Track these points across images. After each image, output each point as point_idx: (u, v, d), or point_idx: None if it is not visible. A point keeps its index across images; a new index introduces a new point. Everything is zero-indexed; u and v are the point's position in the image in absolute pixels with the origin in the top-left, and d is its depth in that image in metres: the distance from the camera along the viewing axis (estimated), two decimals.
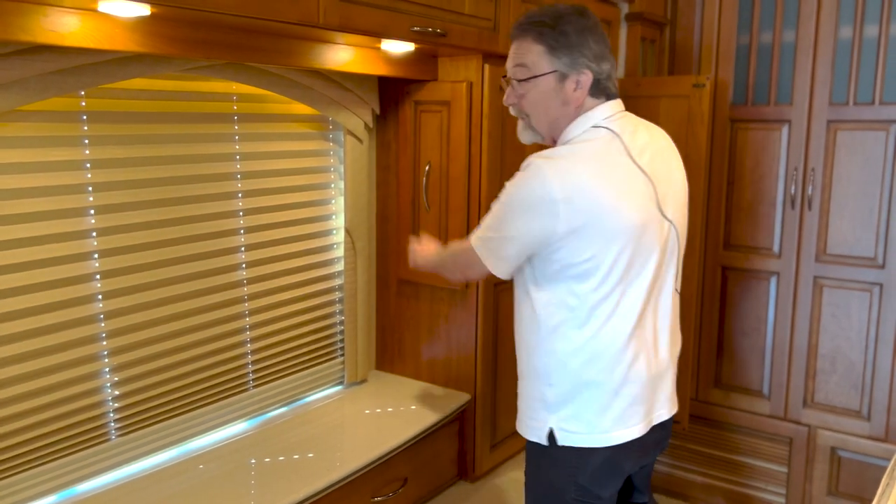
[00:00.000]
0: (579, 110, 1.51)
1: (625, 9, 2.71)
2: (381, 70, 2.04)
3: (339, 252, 2.31)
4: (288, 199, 2.12)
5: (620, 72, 2.77)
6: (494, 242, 1.51)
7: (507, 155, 2.28)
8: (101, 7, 1.31)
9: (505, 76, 1.58)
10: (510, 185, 1.47)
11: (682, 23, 2.88)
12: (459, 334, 2.31)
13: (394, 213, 2.38)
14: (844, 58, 2.54)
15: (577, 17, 1.49)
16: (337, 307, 2.33)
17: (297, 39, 1.78)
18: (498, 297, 2.32)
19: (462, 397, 2.28)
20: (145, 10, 1.34)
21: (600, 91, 1.51)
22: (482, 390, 2.29)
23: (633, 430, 1.52)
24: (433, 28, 1.87)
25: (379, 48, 1.97)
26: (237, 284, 2.00)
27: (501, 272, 1.52)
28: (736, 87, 2.79)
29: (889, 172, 2.50)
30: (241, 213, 1.98)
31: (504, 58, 2.21)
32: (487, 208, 2.24)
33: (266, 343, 2.10)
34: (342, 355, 2.36)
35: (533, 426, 1.57)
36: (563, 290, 1.47)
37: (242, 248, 2.00)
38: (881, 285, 2.55)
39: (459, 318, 2.30)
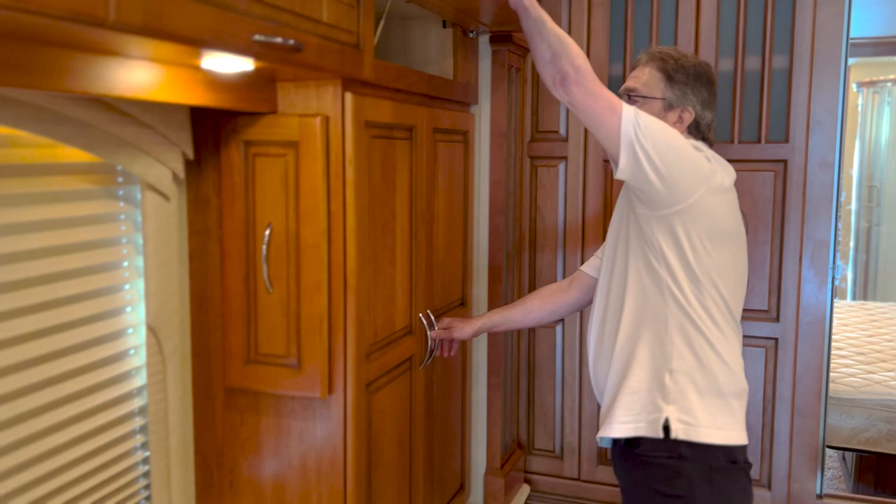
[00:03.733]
0: None
1: (484, 30, 2.28)
2: (196, 98, 1.38)
3: (139, 359, 1.59)
4: (52, 294, 1.37)
5: (486, 109, 2.33)
6: (653, 124, 1.45)
7: (377, 213, 1.71)
8: None
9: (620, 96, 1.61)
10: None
11: None
12: (321, 458, 1.68)
13: (217, 296, 1.71)
14: (727, 92, 2.31)
15: (699, 65, 1.61)
16: (138, 439, 1.60)
17: (64, 48, 1.09)
18: (371, 401, 1.74)
19: None
20: None
21: (699, 134, 1.62)
22: None
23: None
24: (284, 38, 1.27)
25: (197, 66, 1.33)
26: None
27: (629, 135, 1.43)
28: None
29: (779, 217, 2.29)
30: None
31: (368, 84, 1.68)
32: (356, 286, 1.67)
33: None
34: None
35: (651, 419, 1.53)
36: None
37: None
38: (776, 340, 2.33)
39: (320, 436, 1.68)
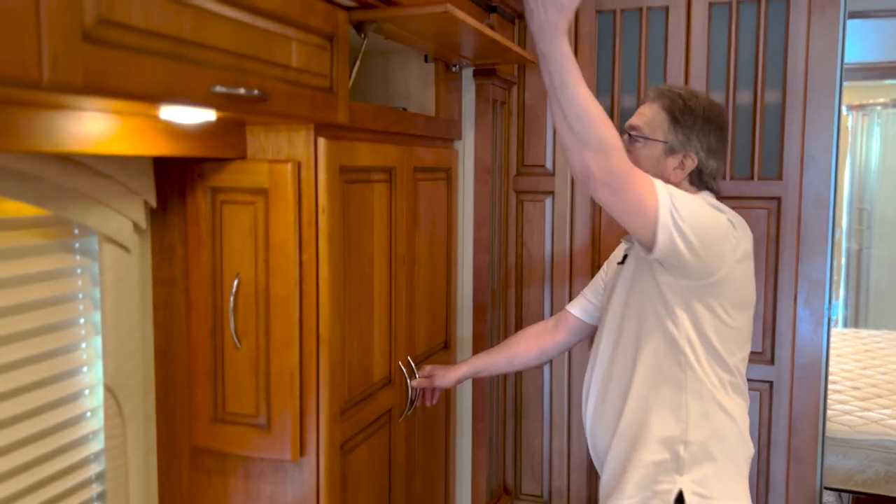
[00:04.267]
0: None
1: (467, 64, 2.20)
2: (157, 149, 1.30)
3: (97, 422, 1.49)
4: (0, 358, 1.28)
5: (469, 143, 2.25)
6: (688, 204, 1.33)
7: (353, 262, 1.63)
8: None
9: (622, 130, 1.47)
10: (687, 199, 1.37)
11: (532, 82, 2.44)
12: None
13: (182, 349, 1.61)
14: None
15: (711, 108, 1.50)
16: None
17: (9, 106, 1.01)
18: (346, 462, 1.64)
19: None
20: None
21: (701, 182, 1.52)
22: None
23: None
24: (247, 88, 1.18)
25: (156, 116, 1.24)
26: None
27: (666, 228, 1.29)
28: None
29: (773, 256, 2.22)
30: None
31: (343, 128, 1.59)
32: (329, 341, 1.57)
33: None
34: None
35: (662, 489, 1.43)
36: None
37: None
38: (771, 383, 2.25)
39: (291, 499, 1.58)
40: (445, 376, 1.85)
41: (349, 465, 1.65)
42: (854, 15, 2.35)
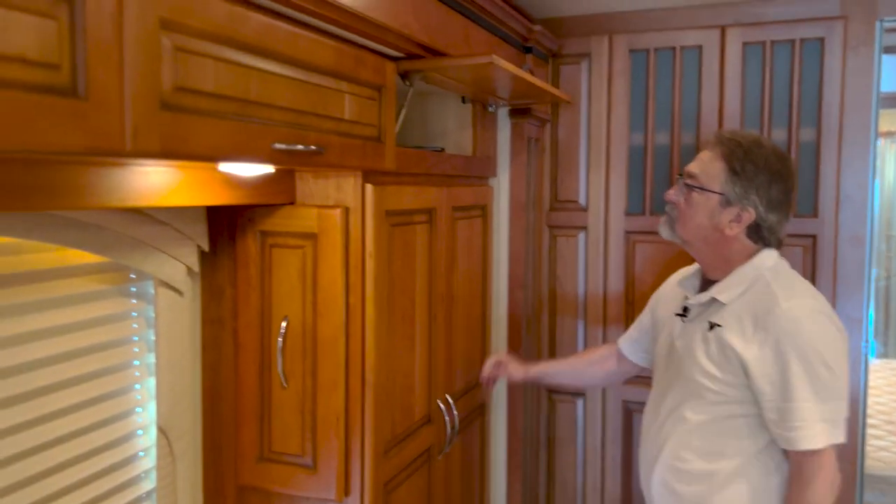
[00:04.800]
0: (742, 248, 1.44)
1: (504, 104, 2.23)
2: (215, 198, 1.34)
3: (149, 462, 1.52)
4: (59, 403, 1.31)
5: (505, 180, 2.28)
6: (842, 414, 1.36)
7: (396, 303, 1.65)
8: None
9: (681, 174, 1.50)
10: (811, 342, 1.33)
11: (566, 119, 2.47)
12: None
13: (230, 389, 1.64)
14: None
15: (775, 159, 1.41)
16: None
17: (72, 165, 1.05)
18: (389, 501, 1.66)
19: None
20: None
21: (759, 238, 1.44)
22: None
23: None
24: (305, 145, 1.22)
25: (214, 168, 1.28)
26: None
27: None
28: (631, 195, 2.42)
29: None
30: None
31: (389, 173, 1.63)
32: (374, 383, 1.60)
33: None
34: None
35: None
36: None
37: None
38: None
39: None
40: (518, 369, 1.94)
41: None
42: (889, 50, 2.36)
